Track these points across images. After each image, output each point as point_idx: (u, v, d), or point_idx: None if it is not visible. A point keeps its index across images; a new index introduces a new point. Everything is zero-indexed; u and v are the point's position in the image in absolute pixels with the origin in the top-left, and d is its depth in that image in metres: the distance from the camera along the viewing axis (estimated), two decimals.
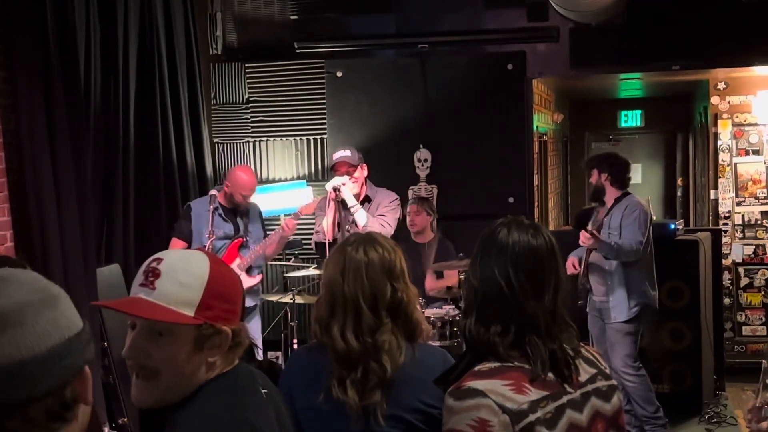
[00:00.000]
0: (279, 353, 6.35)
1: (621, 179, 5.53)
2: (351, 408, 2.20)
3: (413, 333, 2.33)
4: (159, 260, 1.63)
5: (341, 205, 5.04)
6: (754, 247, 7.76)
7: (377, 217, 5.04)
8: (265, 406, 1.68)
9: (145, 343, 1.59)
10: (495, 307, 1.87)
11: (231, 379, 1.66)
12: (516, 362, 1.82)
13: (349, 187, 5.05)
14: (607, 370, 2.00)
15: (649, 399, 5.47)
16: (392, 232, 5.08)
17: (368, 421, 2.21)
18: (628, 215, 5.32)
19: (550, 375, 1.82)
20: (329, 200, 5.06)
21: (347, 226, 5.03)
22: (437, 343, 5.12)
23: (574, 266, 5.53)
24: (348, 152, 5.15)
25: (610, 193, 5.49)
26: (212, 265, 1.64)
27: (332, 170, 5.12)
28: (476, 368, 1.83)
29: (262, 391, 1.71)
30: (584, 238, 5.26)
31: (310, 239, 5.80)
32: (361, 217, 5.01)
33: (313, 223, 5.77)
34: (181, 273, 1.60)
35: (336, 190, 5.01)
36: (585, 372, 1.92)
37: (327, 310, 2.30)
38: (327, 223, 5.06)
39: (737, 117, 7.81)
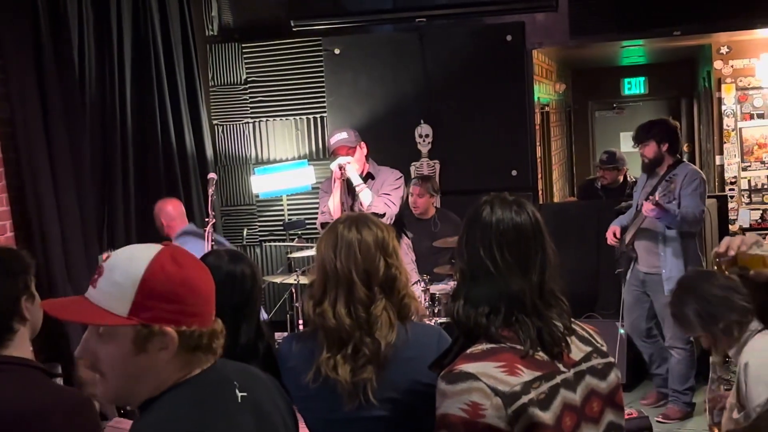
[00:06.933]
0: (285, 334, 6.32)
1: (678, 147, 5.41)
2: (342, 387, 2.15)
3: (405, 311, 2.29)
4: (110, 256, 1.59)
5: (346, 184, 5.00)
6: (761, 211, 7.69)
7: (382, 196, 4.98)
8: (235, 415, 1.61)
9: (94, 342, 1.56)
10: (483, 287, 1.84)
11: (190, 389, 1.57)
12: (508, 343, 1.79)
13: (353, 166, 5.01)
14: (604, 348, 1.96)
15: (686, 377, 5.28)
16: (397, 211, 5.02)
17: (359, 401, 2.16)
18: (688, 184, 5.10)
19: (542, 354, 1.79)
20: (334, 179, 5.01)
21: (352, 205, 4.99)
22: (443, 320, 5.10)
23: (615, 235, 5.43)
24: (344, 134, 5.09)
25: (666, 162, 5.29)
26: (154, 263, 1.53)
27: (332, 155, 5.07)
28: (468, 351, 1.80)
29: (240, 394, 1.63)
30: (648, 208, 5.00)
31: (313, 219, 5.76)
32: (366, 196, 4.96)
33: (316, 203, 5.72)
34: (117, 271, 1.53)
35: (341, 168, 4.96)
36: (579, 350, 1.89)
37: (319, 288, 2.26)
38: (334, 202, 5.01)
39: (741, 81, 7.74)
